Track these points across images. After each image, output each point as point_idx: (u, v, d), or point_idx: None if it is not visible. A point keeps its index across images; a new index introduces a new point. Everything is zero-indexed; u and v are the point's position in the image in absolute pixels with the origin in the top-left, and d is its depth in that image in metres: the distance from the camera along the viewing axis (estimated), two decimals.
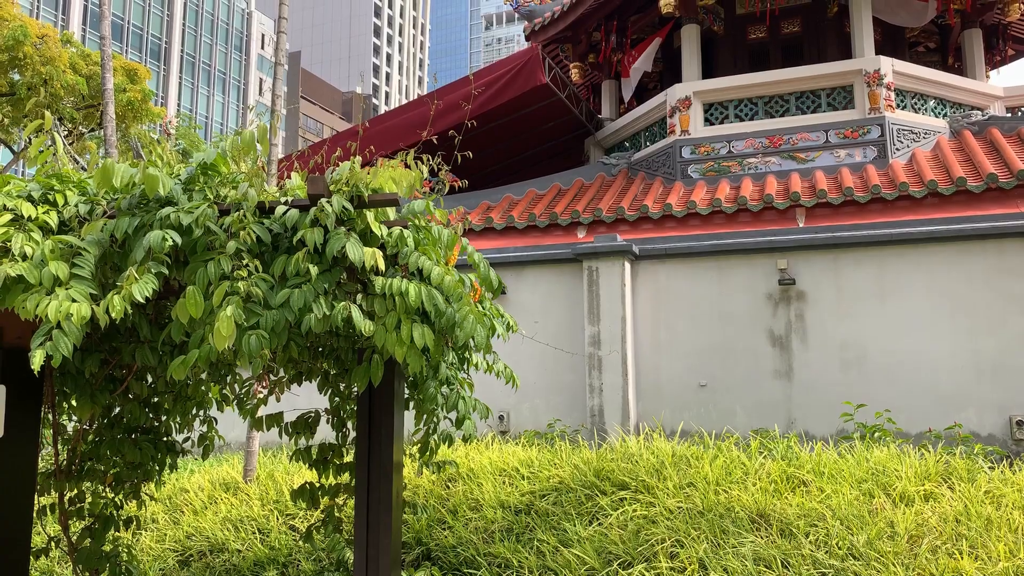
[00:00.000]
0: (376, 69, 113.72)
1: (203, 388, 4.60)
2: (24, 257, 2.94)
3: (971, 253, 8.84)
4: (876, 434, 7.54)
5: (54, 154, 3.46)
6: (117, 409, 4.42)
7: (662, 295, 9.87)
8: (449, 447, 4.11)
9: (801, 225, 10.17)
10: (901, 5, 13.25)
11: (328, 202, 3.28)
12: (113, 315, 2.75)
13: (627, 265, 9.82)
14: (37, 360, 2.73)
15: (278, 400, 4.62)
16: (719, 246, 9.68)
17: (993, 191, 9.77)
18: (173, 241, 3.01)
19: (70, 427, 4.49)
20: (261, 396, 4.67)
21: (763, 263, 9.50)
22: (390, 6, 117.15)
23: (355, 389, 4.10)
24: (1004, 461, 6.79)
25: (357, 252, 3.29)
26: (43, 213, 3.13)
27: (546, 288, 10.21)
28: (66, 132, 19.83)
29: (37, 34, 18.16)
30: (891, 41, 14.20)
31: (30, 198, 3.24)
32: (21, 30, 17.20)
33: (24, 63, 17.71)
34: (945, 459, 6.12)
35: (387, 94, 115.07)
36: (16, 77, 18.22)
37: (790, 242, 9.39)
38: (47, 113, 3.26)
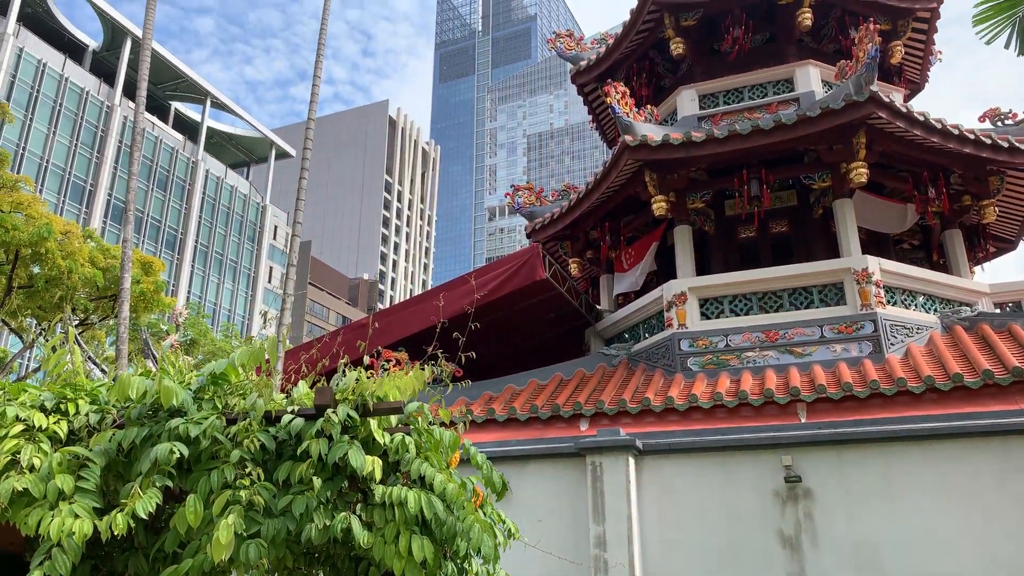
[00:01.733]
0: (383, 257, 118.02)
1: None
2: (31, 469, 2.98)
3: (977, 451, 8.74)
4: None
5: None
6: None
7: (668, 492, 9.65)
8: None
9: (803, 420, 10.14)
10: (882, 212, 13.97)
11: (334, 412, 3.35)
12: (116, 532, 2.75)
13: (631, 460, 9.68)
14: None
15: None
16: (723, 441, 9.60)
17: (990, 387, 9.83)
18: (180, 453, 3.06)
19: None
20: None
21: (768, 459, 9.38)
22: (399, 199, 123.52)
23: None
24: None
25: (359, 460, 3.32)
26: (54, 423, 3.20)
27: (549, 484, 10.00)
28: (77, 322, 20.31)
29: (61, 231, 19.12)
30: (876, 239, 14.82)
31: (43, 408, 3.32)
32: (46, 228, 18.14)
33: (46, 257, 18.51)
34: None
35: (393, 280, 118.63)
36: (35, 270, 18.97)
37: (793, 438, 9.32)
38: (71, 329, 3.42)
